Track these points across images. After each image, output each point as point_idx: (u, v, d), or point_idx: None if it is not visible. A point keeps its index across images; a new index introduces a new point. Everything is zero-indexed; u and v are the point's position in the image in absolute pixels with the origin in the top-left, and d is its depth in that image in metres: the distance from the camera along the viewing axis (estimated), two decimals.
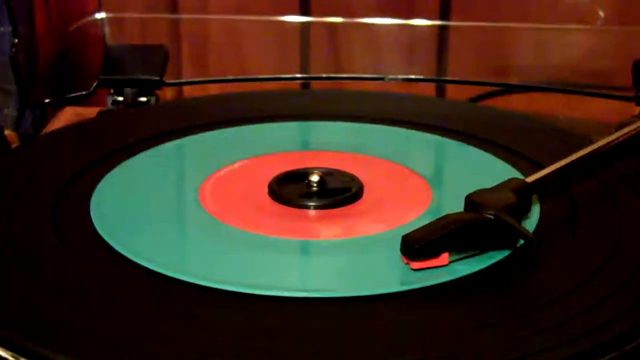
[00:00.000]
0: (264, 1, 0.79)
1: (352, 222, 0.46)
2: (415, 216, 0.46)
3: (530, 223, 0.44)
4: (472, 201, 0.41)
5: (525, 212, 0.43)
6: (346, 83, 0.77)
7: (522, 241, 0.42)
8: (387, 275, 0.41)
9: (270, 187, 0.49)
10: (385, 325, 0.37)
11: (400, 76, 0.71)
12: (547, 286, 0.40)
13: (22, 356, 0.35)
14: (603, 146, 0.48)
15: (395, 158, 0.53)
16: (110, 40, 0.72)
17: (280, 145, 0.55)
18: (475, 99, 0.73)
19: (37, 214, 0.46)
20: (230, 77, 0.74)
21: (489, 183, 0.43)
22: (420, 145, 0.56)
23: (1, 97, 0.73)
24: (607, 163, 0.51)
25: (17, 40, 0.61)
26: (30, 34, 0.64)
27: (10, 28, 0.62)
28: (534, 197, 0.45)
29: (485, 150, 0.54)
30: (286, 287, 0.39)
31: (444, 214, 0.41)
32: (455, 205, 0.42)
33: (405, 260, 0.40)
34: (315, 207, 0.47)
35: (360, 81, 0.75)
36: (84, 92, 0.66)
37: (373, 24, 0.76)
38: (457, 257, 0.41)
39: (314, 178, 0.48)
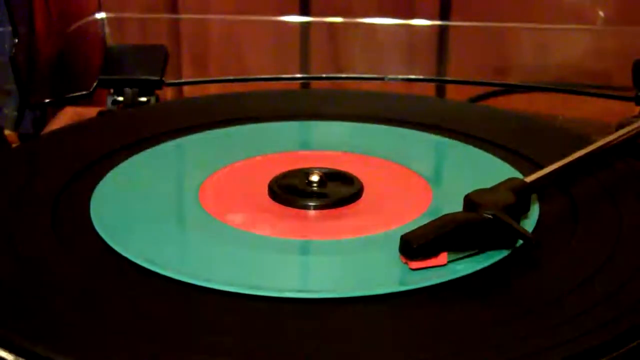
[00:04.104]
0: (264, 1, 0.79)
1: (352, 222, 0.46)
2: (415, 216, 0.46)
3: (530, 223, 0.44)
4: (471, 201, 0.41)
5: (524, 212, 0.43)
6: (346, 83, 0.77)
7: (521, 241, 0.42)
8: (386, 275, 0.41)
9: (270, 187, 0.49)
10: (384, 325, 0.37)
11: (400, 76, 0.71)
12: (547, 286, 0.40)
13: (22, 356, 0.35)
14: (603, 146, 0.48)
15: (395, 158, 0.53)
16: (110, 40, 0.72)
17: (280, 145, 0.55)
18: (475, 99, 0.73)
19: (37, 214, 0.46)
20: (230, 77, 0.74)
21: (489, 183, 0.43)
22: (420, 145, 0.56)
23: (1, 97, 0.73)
24: (607, 163, 0.51)
25: (17, 40, 0.61)
26: (30, 34, 0.64)
27: (10, 28, 0.62)
28: (534, 197, 0.45)
29: (485, 150, 0.54)
30: (286, 288, 0.39)
31: (443, 214, 0.41)
32: (455, 205, 0.42)
33: (404, 260, 0.40)
34: (315, 207, 0.47)
35: (360, 81, 0.75)
36: (84, 92, 0.66)
37: (373, 24, 0.76)
38: (456, 256, 0.41)
39: (314, 178, 0.48)
